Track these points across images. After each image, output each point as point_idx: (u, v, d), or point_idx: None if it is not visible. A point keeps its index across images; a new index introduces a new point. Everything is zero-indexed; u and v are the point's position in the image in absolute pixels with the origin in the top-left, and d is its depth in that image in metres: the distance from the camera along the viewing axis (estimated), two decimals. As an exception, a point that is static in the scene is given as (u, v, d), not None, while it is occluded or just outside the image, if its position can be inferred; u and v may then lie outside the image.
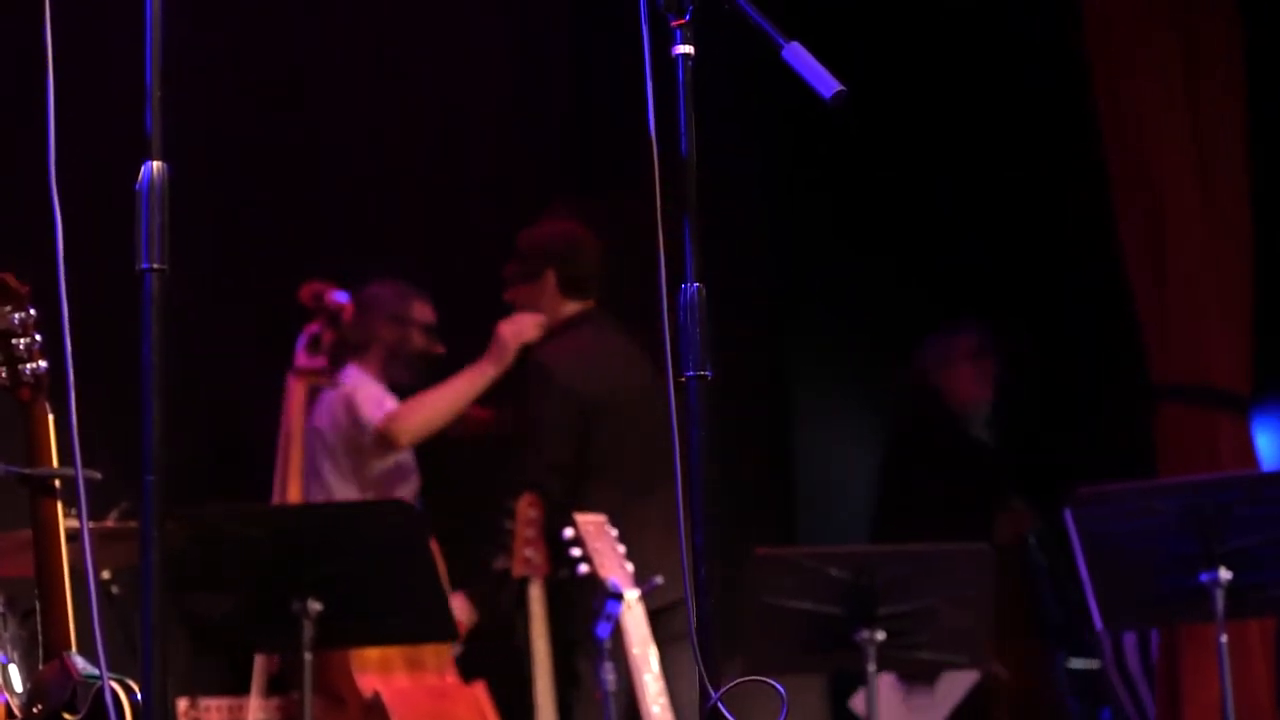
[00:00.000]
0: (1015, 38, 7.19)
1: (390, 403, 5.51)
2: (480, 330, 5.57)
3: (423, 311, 5.68)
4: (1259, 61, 6.40)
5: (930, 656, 4.78)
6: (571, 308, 5.46)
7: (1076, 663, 6.69)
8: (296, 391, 5.07)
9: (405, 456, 5.56)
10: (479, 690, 4.60)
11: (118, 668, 2.59)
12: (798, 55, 2.58)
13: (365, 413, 5.45)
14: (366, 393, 5.51)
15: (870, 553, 4.97)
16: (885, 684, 5.85)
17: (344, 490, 5.41)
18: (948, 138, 7.28)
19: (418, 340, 5.64)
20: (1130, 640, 6.30)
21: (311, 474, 5.48)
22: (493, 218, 6.40)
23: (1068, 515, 4.40)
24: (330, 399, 5.52)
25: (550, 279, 5.43)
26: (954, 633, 4.66)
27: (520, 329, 5.40)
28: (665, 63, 2.67)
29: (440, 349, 5.66)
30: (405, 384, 5.61)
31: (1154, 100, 6.22)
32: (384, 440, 5.38)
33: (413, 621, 3.91)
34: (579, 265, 5.44)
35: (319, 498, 5.29)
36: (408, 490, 5.55)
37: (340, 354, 5.21)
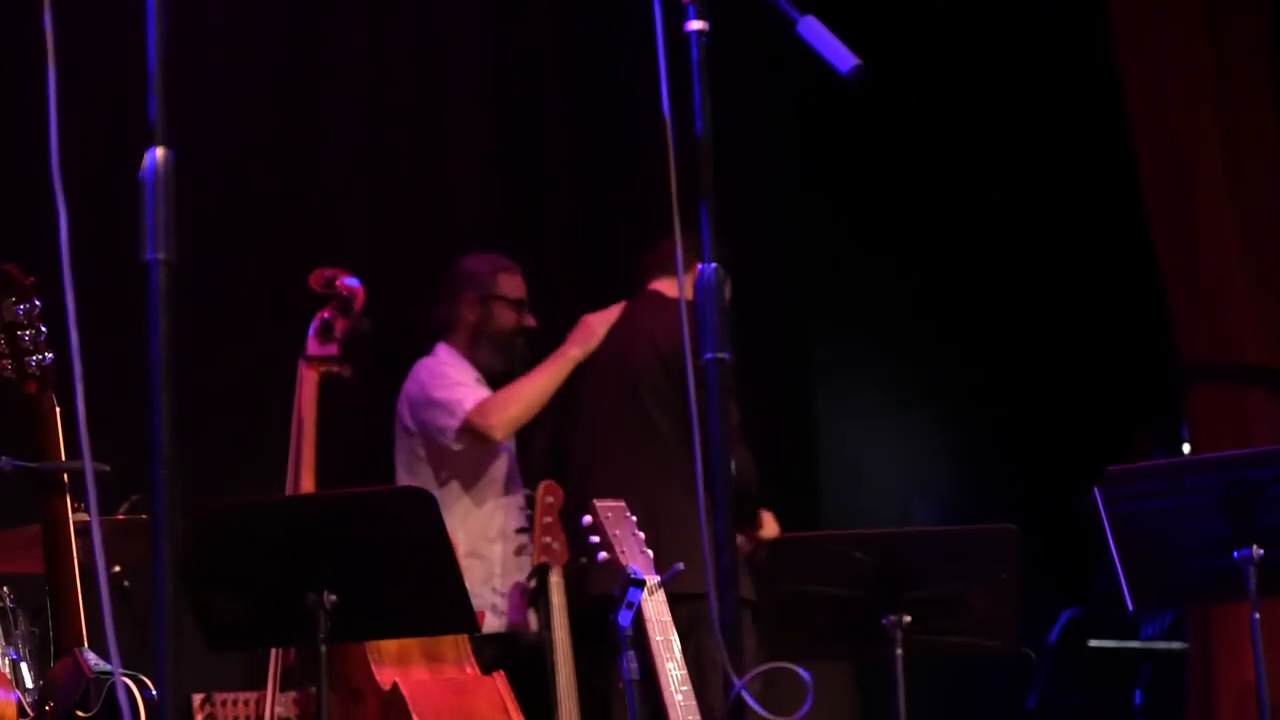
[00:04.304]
0: (1030, 13, 7.14)
1: (468, 390, 5.47)
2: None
3: (510, 285, 5.63)
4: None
5: (959, 641, 4.71)
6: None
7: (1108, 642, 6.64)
8: (308, 380, 5.01)
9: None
10: (499, 681, 4.55)
11: (131, 663, 2.56)
12: (813, 29, 2.53)
13: (438, 394, 5.45)
14: (437, 370, 5.50)
15: (895, 536, 4.90)
16: None
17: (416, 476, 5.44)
18: (967, 115, 7.23)
19: (505, 319, 5.59)
20: None
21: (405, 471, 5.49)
22: (493, 218, 6.39)
23: (1096, 494, 4.33)
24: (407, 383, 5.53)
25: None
26: (983, 617, 4.58)
27: (605, 315, 5.53)
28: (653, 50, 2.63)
29: (532, 322, 5.64)
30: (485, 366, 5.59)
31: (1181, 70, 6.16)
32: (476, 433, 5.38)
33: (430, 612, 3.86)
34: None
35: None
36: (501, 470, 5.53)
37: (353, 341, 5.15)
